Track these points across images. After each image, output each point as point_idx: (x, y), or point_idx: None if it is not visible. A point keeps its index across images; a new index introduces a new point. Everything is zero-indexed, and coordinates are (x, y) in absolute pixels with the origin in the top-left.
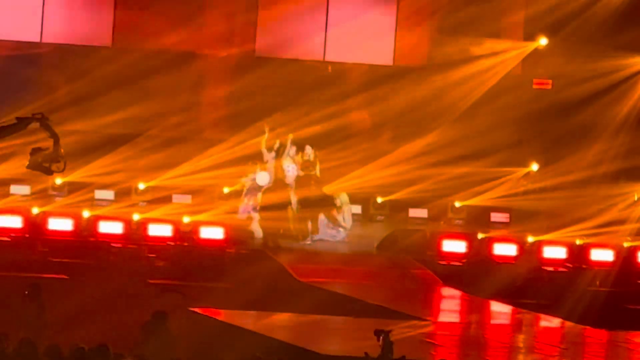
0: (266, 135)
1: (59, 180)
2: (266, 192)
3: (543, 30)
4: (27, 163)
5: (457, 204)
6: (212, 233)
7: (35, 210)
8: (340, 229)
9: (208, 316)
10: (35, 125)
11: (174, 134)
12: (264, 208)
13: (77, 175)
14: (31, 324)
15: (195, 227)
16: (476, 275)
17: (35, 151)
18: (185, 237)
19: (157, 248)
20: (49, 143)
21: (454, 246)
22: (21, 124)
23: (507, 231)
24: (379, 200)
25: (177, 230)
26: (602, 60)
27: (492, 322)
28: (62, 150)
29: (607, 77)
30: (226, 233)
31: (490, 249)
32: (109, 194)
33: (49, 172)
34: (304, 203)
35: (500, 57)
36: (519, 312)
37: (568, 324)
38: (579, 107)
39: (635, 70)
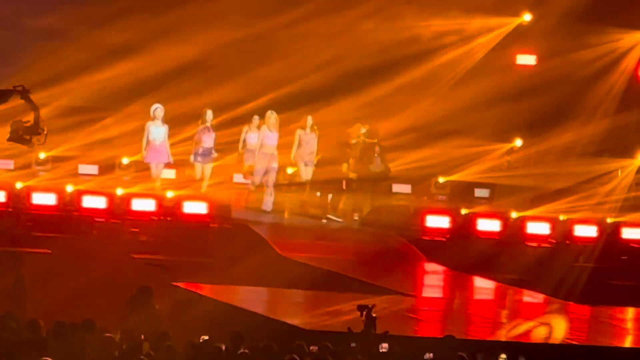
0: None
1: (42, 155)
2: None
3: (527, 6)
4: (8, 135)
5: (441, 180)
6: (196, 208)
7: (18, 185)
8: None
9: (191, 291)
10: (16, 97)
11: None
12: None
13: (61, 149)
14: (11, 298)
15: (178, 202)
16: (459, 251)
17: (16, 123)
18: (169, 212)
19: (140, 223)
20: (30, 115)
21: (438, 221)
22: (2, 96)
23: (491, 207)
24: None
25: (160, 205)
26: (586, 36)
27: (475, 297)
28: (42, 123)
29: (592, 52)
30: (210, 208)
31: (473, 224)
32: (92, 169)
33: (30, 144)
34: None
35: (483, 32)
36: (502, 288)
37: (551, 299)
38: (563, 82)
39: (619, 45)
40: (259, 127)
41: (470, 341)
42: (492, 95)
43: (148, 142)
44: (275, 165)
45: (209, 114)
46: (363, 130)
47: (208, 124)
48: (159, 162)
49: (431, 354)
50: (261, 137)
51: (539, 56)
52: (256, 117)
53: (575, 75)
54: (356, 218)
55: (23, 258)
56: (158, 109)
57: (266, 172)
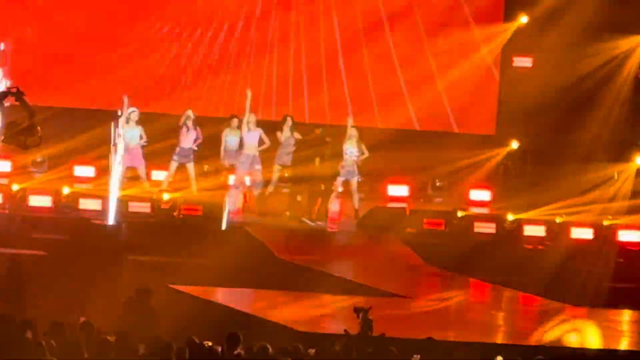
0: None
1: (38, 157)
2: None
3: (525, 9)
4: (2, 137)
5: (438, 182)
6: (193, 210)
7: (15, 187)
8: None
9: (187, 293)
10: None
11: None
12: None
13: (57, 151)
14: (10, 300)
15: (175, 203)
16: (456, 253)
17: (10, 125)
18: (165, 214)
19: (136, 225)
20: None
21: (434, 224)
22: None
23: (488, 209)
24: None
25: (156, 207)
26: (586, 41)
27: (472, 299)
28: (37, 124)
29: (590, 57)
30: (206, 210)
31: (470, 227)
32: (88, 170)
33: (25, 146)
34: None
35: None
36: (499, 290)
37: (548, 301)
38: (561, 85)
39: (619, 51)
40: (238, 128)
41: (467, 344)
42: (488, 96)
43: (124, 146)
44: (258, 167)
45: (191, 114)
46: (350, 121)
47: (188, 124)
48: (137, 166)
49: (418, 356)
50: (242, 137)
51: (536, 58)
52: (235, 119)
53: (574, 77)
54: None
55: (21, 260)
56: (134, 113)
57: (251, 176)
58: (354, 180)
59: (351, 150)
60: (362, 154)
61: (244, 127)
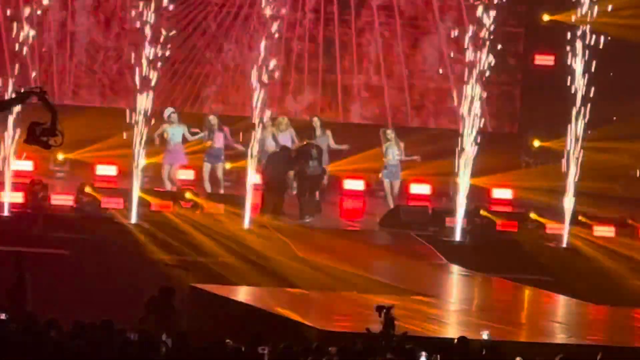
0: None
1: (60, 156)
2: None
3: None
4: (25, 137)
5: (459, 181)
6: (215, 208)
7: (37, 187)
8: None
9: (210, 292)
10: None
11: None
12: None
13: (80, 150)
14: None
15: (197, 202)
16: (478, 252)
17: (33, 125)
18: (187, 212)
19: (158, 223)
20: (47, 117)
21: (457, 222)
22: (20, 97)
23: (509, 207)
24: (380, 176)
25: (178, 206)
26: None
27: (494, 298)
28: (60, 125)
29: None
30: (228, 208)
31: (492, 225)
32: (111, 169)
33: (47, 146)
34: None
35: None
36: (521, 289)
37: (570, 300)
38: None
39: None
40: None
41: (487, 342)
42: (508, 94)
43: (166, 142)
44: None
45: (214, 119)
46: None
47: (215, 127)
48: (173, 164)
49: (438, 356)
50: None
51: (557, 57)
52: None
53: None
54: (308, 220)
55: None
56: (173, 115)
57: None
58: (397, 183)
59: (393, 151)
60: (402, 153)
61: (275, 128)
